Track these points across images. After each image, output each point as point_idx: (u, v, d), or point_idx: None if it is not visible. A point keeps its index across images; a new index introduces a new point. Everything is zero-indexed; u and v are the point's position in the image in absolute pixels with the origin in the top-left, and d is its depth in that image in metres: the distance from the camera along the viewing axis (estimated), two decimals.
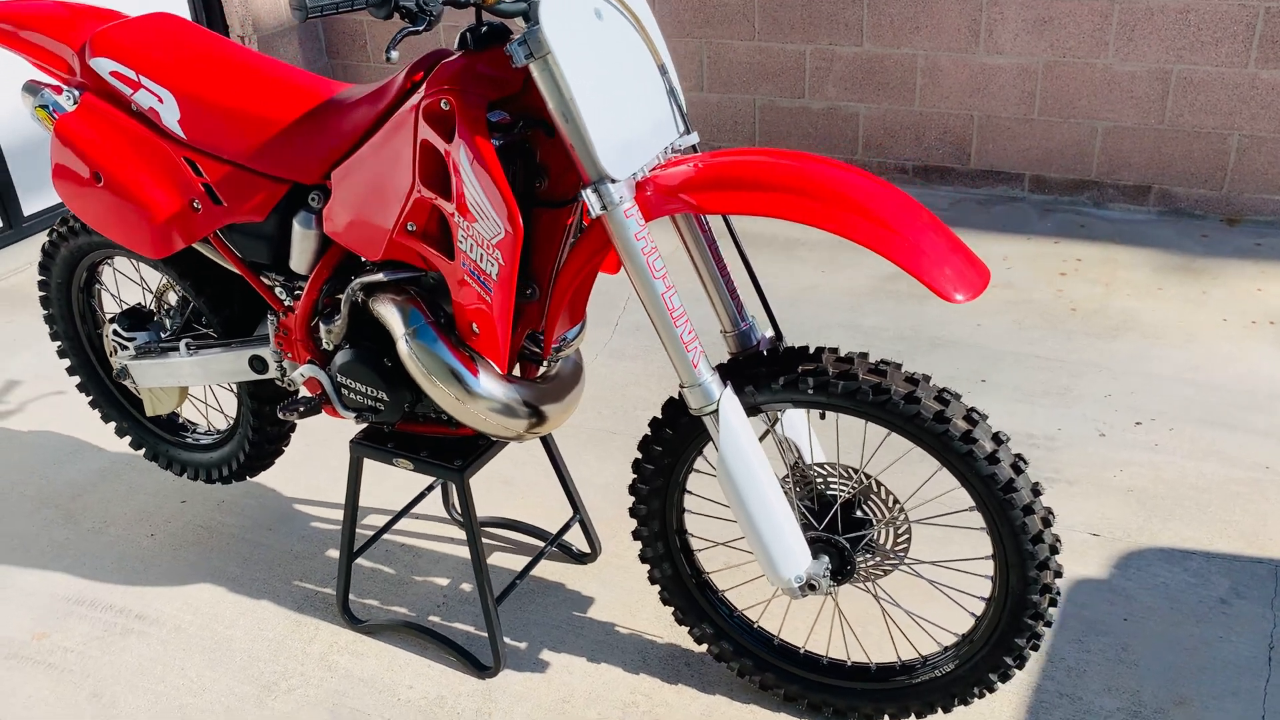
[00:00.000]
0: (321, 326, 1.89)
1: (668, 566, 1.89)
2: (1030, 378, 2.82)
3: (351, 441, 2.00)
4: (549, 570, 2.26)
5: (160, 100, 1.83)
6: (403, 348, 1.72)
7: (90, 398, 2.46)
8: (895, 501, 1.73)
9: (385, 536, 2.38)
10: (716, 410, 1.61)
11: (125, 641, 2.13)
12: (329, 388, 1.92)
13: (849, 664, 1.86)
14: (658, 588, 2.03)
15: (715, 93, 4.14)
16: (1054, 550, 1.61)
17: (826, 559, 1.73)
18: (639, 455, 1.83)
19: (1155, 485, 2.40)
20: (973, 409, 1.60)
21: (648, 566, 2.08)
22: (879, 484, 1.73)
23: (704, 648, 2.01)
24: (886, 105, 3.89)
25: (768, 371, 1.65)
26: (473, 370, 1.71)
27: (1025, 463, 1.61)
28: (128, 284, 3.53)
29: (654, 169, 1.59)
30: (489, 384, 1.72)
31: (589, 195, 1.51)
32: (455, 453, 1.93)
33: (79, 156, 1.88)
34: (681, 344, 1.59)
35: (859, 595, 2.12)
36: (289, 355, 1.98)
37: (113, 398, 2.44)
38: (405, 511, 2.26)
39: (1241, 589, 2.09)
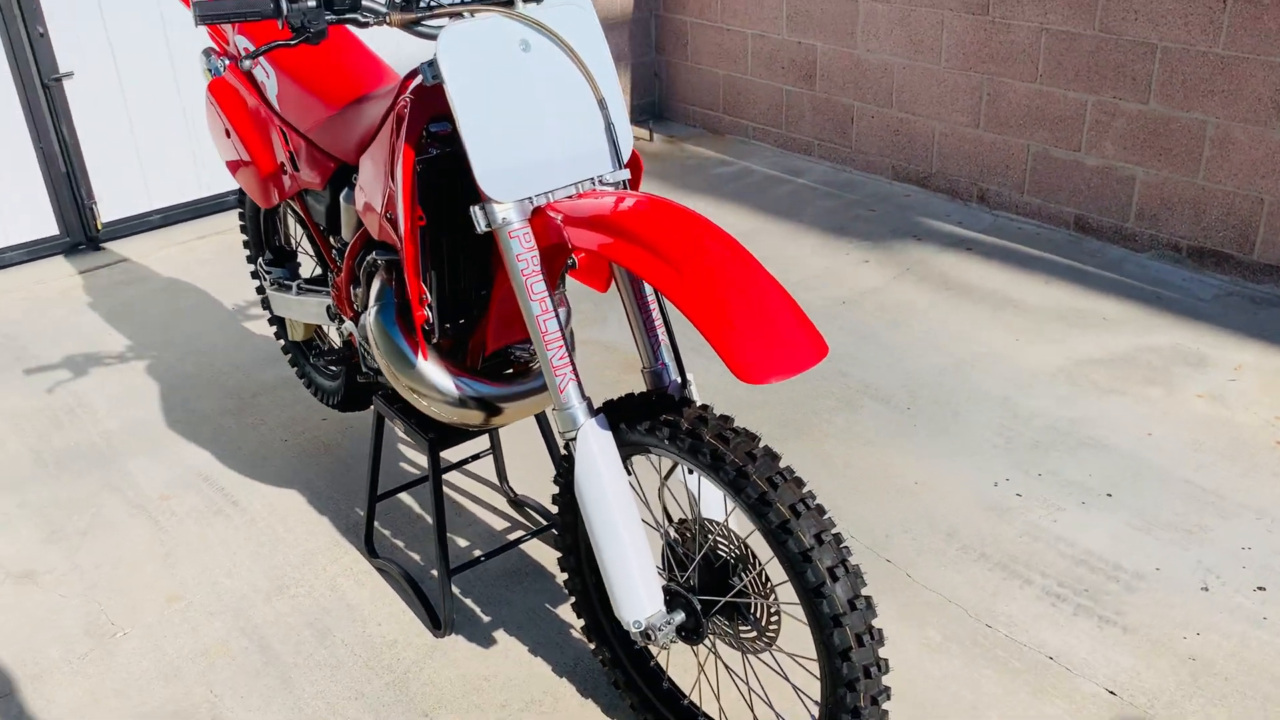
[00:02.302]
0: (353, 291, 2.13)
1: (578, 581, 1.94)
2: (1168, 505, 2.44)
3: (373, 396, 2.24)
4: (550, 557, 2.37)
5: (268, 76, 2.16)
6: (365, 319, 1.92)
7: (270, 318, 2.92)
8: (767, 580, 1.65)
9: (453, 494, 2.61)
10: (576, 437, 1.64)
11: (213, 519, 2.54)
12: (358, 346, 2.16)
13: None
14: (573, 598, 2.08)
15: (990, 132, 3.89)
16: (868, 674, 1.47)
17: (681, 615, 1.70)
18: (559, 468, 1.89)
19: (1226, 663, 2.02)
20: (804, 500, 1.50)
21: (565, 575, 2.14)
22: (755, 559, 1.66)
23: (604, 670, 2.03)
24: (1166, 173, 3.45)
25: (638, 414, 1.65)
26: (417, 353, 1.86)
27: (850, 571, 1.48)
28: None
29: (566, 199, 1.64)
30: (428, 369, 1.87)
31: (475, 212, 1.60)
32: (445, 426, 2.10)
33: (217, 115, 2.26)
34: (552, 367, 1.64)
35: (757, 661, 2.02)
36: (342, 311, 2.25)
37: (282, 320, 2.88)
38: (452, 468, 2.47)
39: None
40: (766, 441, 2.73)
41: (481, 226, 1.61)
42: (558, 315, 1.64)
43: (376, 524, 2.52)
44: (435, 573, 2.35)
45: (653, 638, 1.66)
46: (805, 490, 1.53)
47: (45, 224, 3.95)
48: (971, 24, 3.82)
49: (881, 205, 4.16)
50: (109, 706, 2.04)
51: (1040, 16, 3.61)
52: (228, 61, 2.28)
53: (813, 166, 4.58)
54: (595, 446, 1.64)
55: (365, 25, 1.57)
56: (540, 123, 1.61)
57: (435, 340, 1.90)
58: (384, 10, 1.59)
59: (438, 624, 2.19)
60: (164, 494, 2.65)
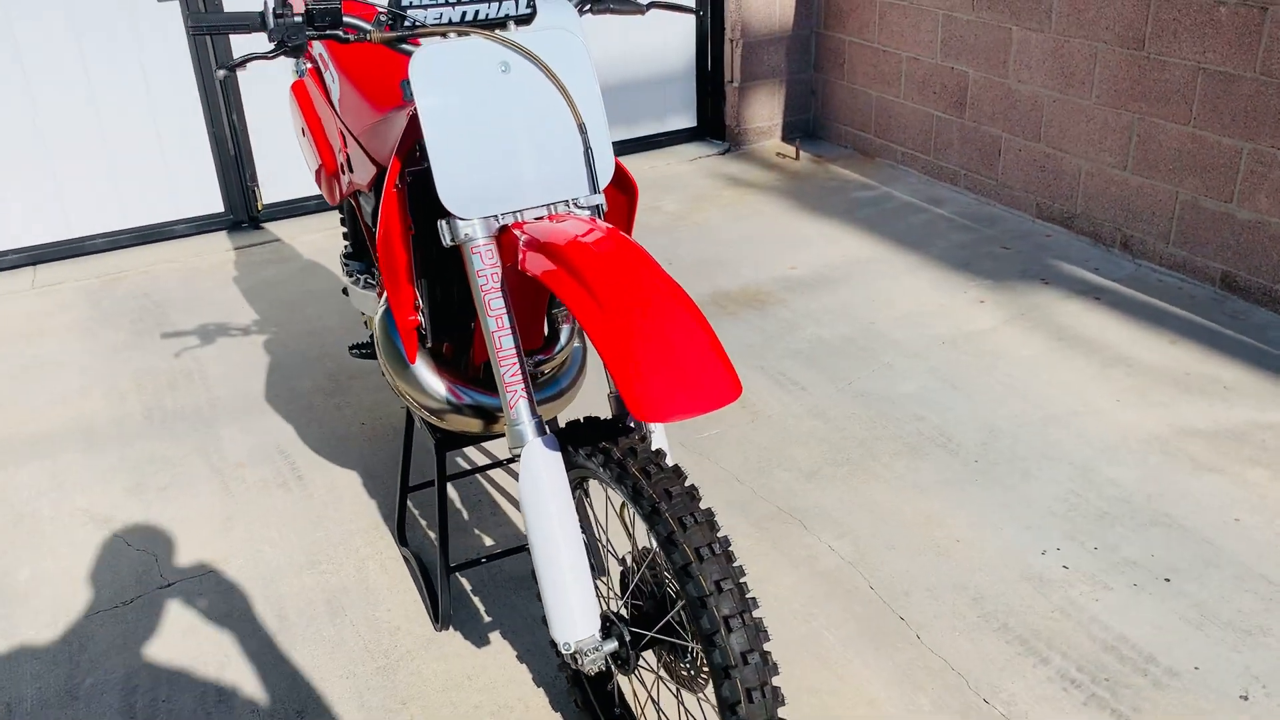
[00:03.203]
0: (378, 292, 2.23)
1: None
2: (1231, 600, 2.22)
3: None
4: None
5: (334, 80, 2.28)
6: (374, 320, 2.00)
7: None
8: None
9: (493, 491, 2.69)
10: (521, 454, 1.66)
11: (276, 491, 2.71)
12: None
13: None
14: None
15: (1137, 175, 3.62)
16: None
17: (613, 643, 1.69)
18: None
19: None
20: (712, 544, 1.46)
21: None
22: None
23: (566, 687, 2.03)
24: None
25: (584, 438, 1.65)
26: (410, 357, 1.92)
27: (750, 624, 1.43)
28: None
29: (536, 220, 1.66)
30: (420, 373, 1.93)
31: (441, 225, 1.65)
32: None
33: (295, 113, 2.41)
34: (503, 383, 1.66)
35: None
36: None
37: None
38: (493, 466, 2.53)
39: None
40: (813, 475, 2.66)
41: (446, 240, 1.65)
42: (514, 331, 1.67)
43: (415, 514, 2.63)
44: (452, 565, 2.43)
45: (580, 662, 1.66)
46: (717, 535, 1.49)
47: (212, 201, 4.31)
48: (1125, 59, 3.57)
49: (1018, 243, 3.94)
50: (134, 652, 2.22)
51: (1198, 54, 3.33)
52: (309, 65, 2.43)
53: (955, 197, 4.39)
54: (539, 465, 1.65)
55: (347, 42, 1.65)
56: (513, 143, 1.64)
57: (429, 345, 1.97)
58: (368, 28, 1.66)
59: (435, 618, 2.26)
60: (241, 462, 2.85)
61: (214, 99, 4.15)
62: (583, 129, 1.67)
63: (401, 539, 2.50)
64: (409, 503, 2.67)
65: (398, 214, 1.78)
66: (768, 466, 2.73)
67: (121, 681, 2.15)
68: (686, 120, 5.15)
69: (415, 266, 1.87)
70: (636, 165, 4.94)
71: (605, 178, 1.70)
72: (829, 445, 2.81)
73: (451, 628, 2.26)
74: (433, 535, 2.56)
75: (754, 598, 1.50)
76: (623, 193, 1.84)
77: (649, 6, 1.89)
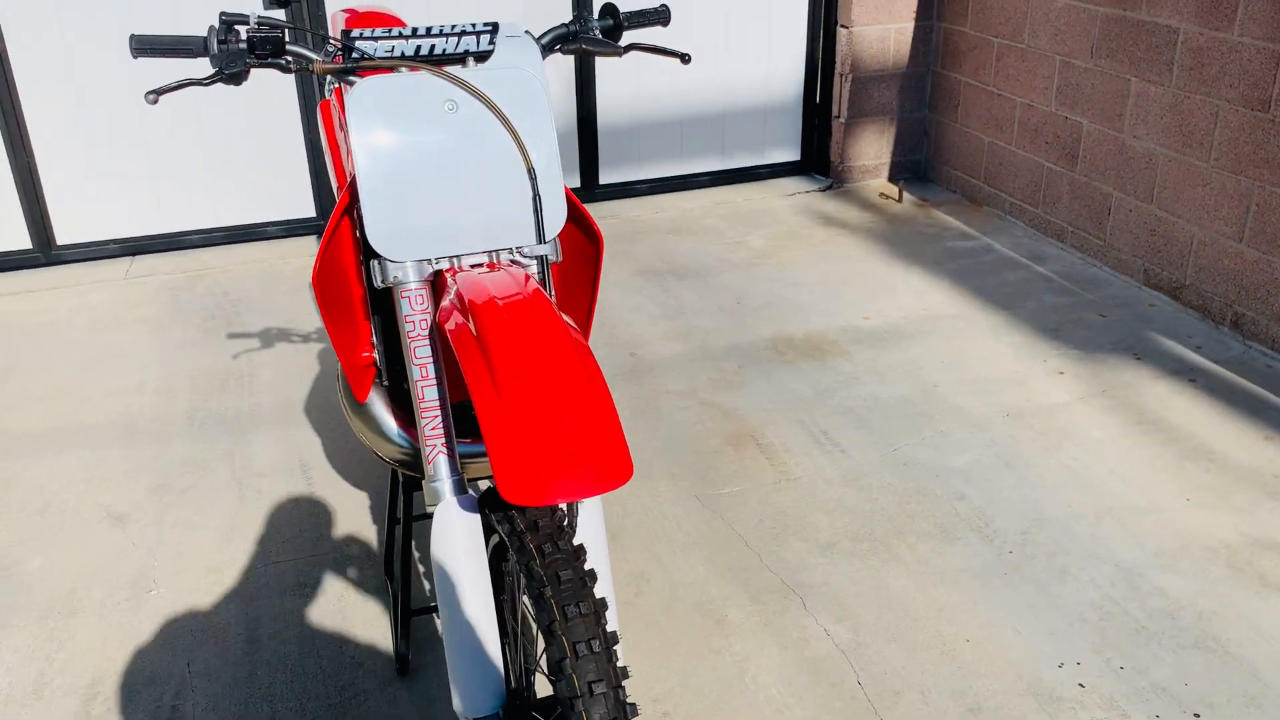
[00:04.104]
0: None
1: None
2: None
3: None
4: None
5: (337, 104, 2.25)
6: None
7: None
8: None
9: None
10: (435, 513, 1.57)
11: (286, 505, 2.71)
12: None
13: None
14: None
15: (1255, 248, 3.28)
16: None
17: None
18: None
19: None
20: (591, 640, 1.34)
21: None
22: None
23: None
24: None
25: (500, 502, 1.54)
26: (360, 396, 1.86)
27: (602, 690, 1.30)
28: None
29: (474, 269, 1.57)
30: (370, 413, 1.86)
31: (372, 265, 1.57)
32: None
33: (322, 134, 2.39)
34: (424, 435, 1.58)
35: None
36: None
37: None
38: None
39: None
40: (829, 549, 2.48)
41: (377, 281, 1.58)
42: (441, 383, 1.58)
43: (413, 548, 2.57)
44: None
45: None
46: (603, 630, 1.36)
47: (304, 205, 4.40)
48: (1248, 120, 3.24)
49: (1116, 311, 3.64)
50: (106, 655, 2.23)
51: None
52: (336, 84, 2.41)
53: (1060, 255, 4.09)
54: (452, 527, 1.56)
55: (289, 71, 1.59)
56: (454, 185, 1.55)
57: (385, 384, 1.90)
58: (310, 58, 1.60)
59: (397, 658, 2.19)
60: (262, 472, 2.86)
61: (311, 105, 4.23)
62: (532, 174, 1.58)
63: (388, 570, 2.45)
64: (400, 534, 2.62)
65: (350, 248, 1.72)
66: (783, 533, 2.57)
67: (86, 686, 2.16)
68: (789, 154, 4.99)
69: (371, 302, 1.80)
70: (729, 197, 4.81)
71: (555, 227, 1.60)
72: (855, 517, 2.62)
73: (413, 672, 2.19)
74: (423, 568, 2.50)
75: (633, 704, 1.37)
76: (591, 242, 1.74)
77: (628, 48, 1.78)
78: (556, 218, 1.60)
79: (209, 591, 2.42)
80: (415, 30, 1.62)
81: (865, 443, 2.93)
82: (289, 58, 1.59)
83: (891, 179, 4.94)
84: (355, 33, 1.59)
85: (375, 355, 1.86)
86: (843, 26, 4.64)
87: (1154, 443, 2.89)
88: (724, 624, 2.29)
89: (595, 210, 4.69)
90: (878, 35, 4.63)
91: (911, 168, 4.96)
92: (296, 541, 2.58)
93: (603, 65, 4.53)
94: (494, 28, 1.63)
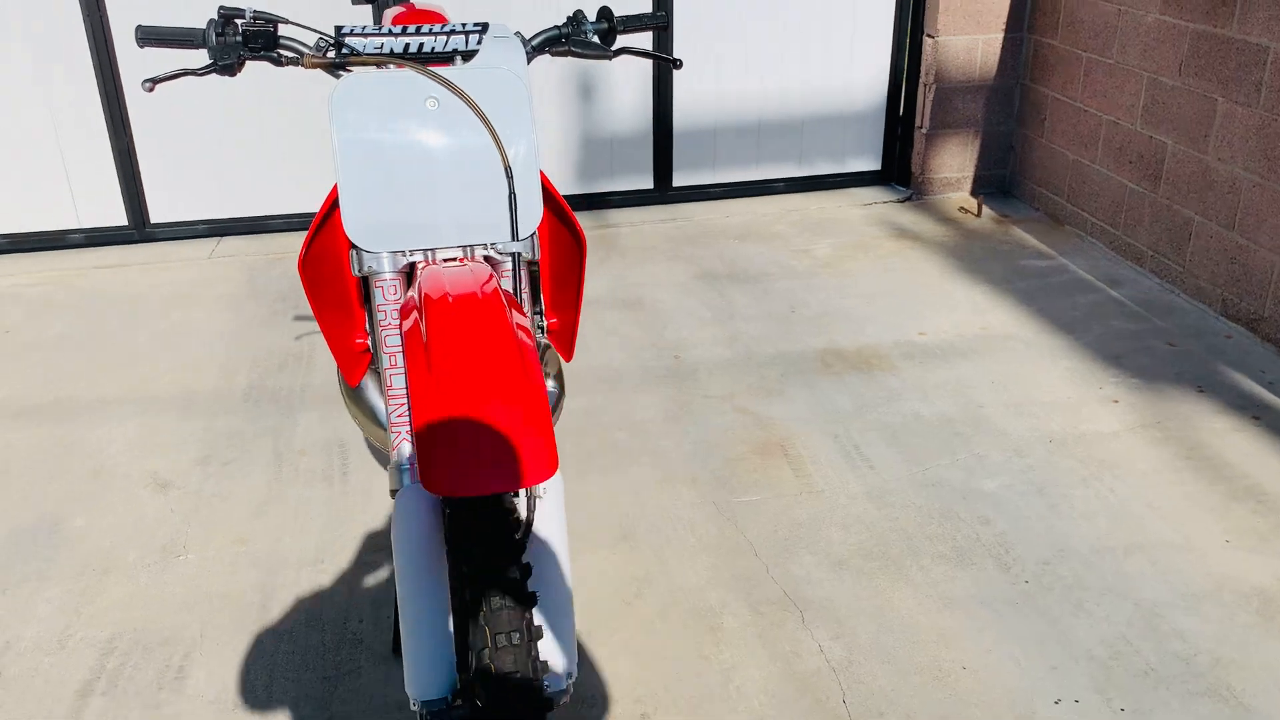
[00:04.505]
0: None
1: None
2: None
3: None
4: None
5: None
6: None
7: None
8: None
9: None
10: (397, 498, 1.61)
11: (319, 483, 2.81)
12: None
13: None
14: None
15: None
16: None
17: (465, 711, 1.60)
18: None
19: None
20: (513, 634, 1.35)
21: None
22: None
23: None
24: None
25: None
26: (352, 380, 1.92)
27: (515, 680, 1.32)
28: None
29: (445, 263, 1.60)
30: (361, 397, 1.92)
31: (351, 253, 1.62)
32: None
33: None
34: (390, 422, 1.62)
35: None
36: None
37: None
38: None
39: None
40: (839, 565, 2.45)
41: (354, 270, 1.63)
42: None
43: None
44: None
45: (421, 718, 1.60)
46: (527, 624, 1.38)
47: None
48: None
49: (1187, 341, 3.48)
50: (129, 613, 2.35)
51: None
52: None
53: (1136, 279, 3.94)
54: (411, 510, 1.60)
55: (281, 65, 1.65)
56: (430, 181, 1.59)
57: (378, 370, 1.95)
58: (301, 52, 1.66)
59: (397, 641, 2.25)
60: (303, 450, 2.97)
61: None
62: (509, 173, 1.60)
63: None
64: None
65: (344, 236, 1.78)
66: (794, 546, 2.54)
67: (105, 641, 2.28)
68: (869, 163, 4.91)
69: (364, 290, 1.86)
70: (804, 204, 4.77)
71: (529, 225, 1.62)
72: (871, 534, 2.58)
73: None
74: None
75: (550, 696, 1.38)
76: (576, 241, 1.76)
77: (618, 53, 1.79)
78: (531, 216, 1.63)
79: (233, 561, 2.53)
80: (405, 29, 1.67)
81: (896, 460, 2.87)
82: (281, 51, 1.65)
83: (973, 193, 4.82)
84: (347, 28, 1.64)
85: (369, 341, 1.91)
86: (929, 36, 4.55)
87: (1201, 479, 2.76)
88: (718, 631, 2.28)
89: (666, 213, 4.70)
90: (965, 46, 4.52)
91: (996, 182, 4.83)
92: (323, 519, 2.67)
93: (681, 68, 4.54)
94: (483, 28, 1.67)
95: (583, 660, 2.21)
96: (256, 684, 2.16)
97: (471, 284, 1.49)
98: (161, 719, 2.08)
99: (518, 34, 1.69)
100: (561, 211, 1.74)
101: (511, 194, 1.62)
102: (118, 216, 4.39)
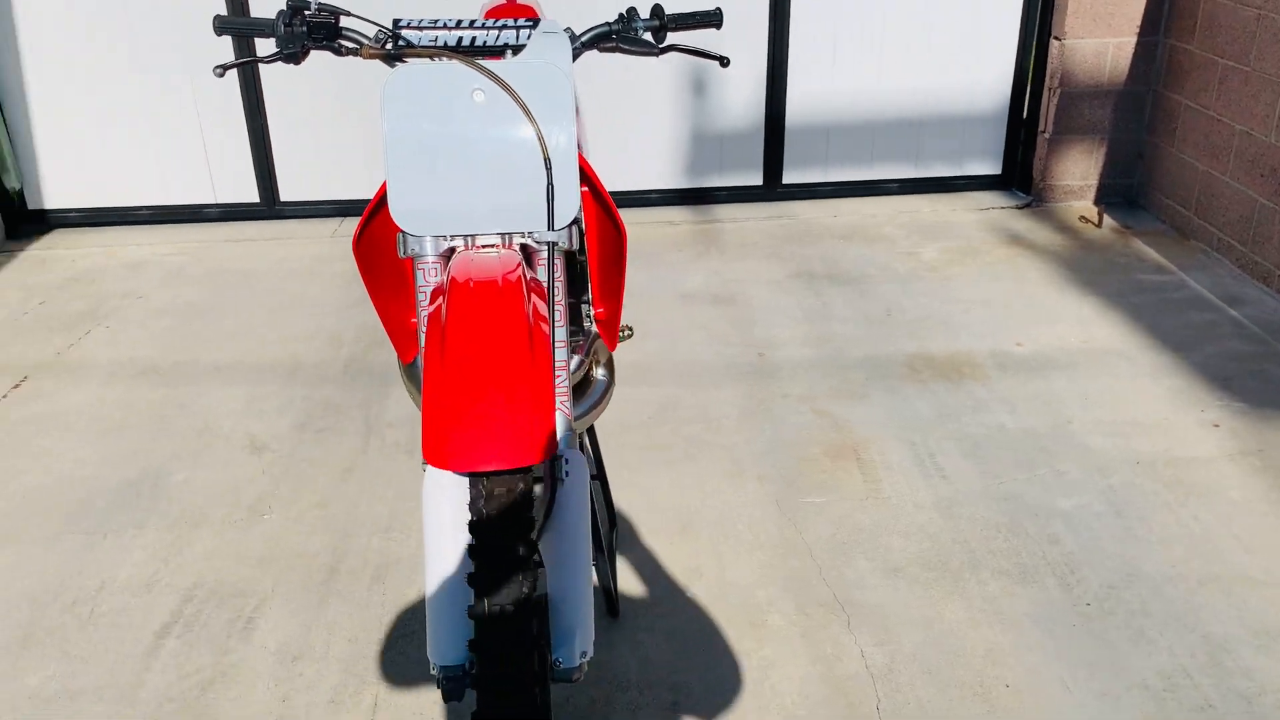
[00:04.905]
0: None
1: None
2: None
3: None
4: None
5: None
6: None
7: None
8: None
9: None
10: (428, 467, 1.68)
11: (401, 456, 2.93)
12: None
13: None
14: None
15: None
16: None
17: None
18: None
19: None
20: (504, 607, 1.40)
21: None
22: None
23: None
24: None
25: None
26: (405, 357, 2.00)
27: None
28: None
29: (481, 249, 1.66)
30: (414, 369, 2.00)
31: (398, 236, 1.70)
32: None
33: None
34: (424, 396, 1.69)
35: None
36: None
37: None
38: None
39: None
40: (894, 573, 2.43)
41: (399, 252, 1.71)
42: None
43: None
44: None
45: (440, 686, 1.67)
46: (518, 608, 1.43)
47: None
48: None
49: None
50: (211, 565, 2.51)
51: None
52: None
53: (1261, 299, 3.73)
54: (441, 485, 1.67)
55: (341, 54, 1.74)
56: (472, 169, 1.65)
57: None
58: (360, 43, 1.74)
59: None
60: (391, 423, 3.10)
61: None
62: (548, 164, 1.65)
63: None
64: None
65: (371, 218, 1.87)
66: (852, 550, 2.53)
67: (186, 589, 2.45)
68: (989, 167, 4.78)
69: None
70: (916, 206, 4.68)
71: (565, 216, 1.67)
72: (932, 544, 2.54)
73: None
74: None
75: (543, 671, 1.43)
76: (617, 233, 1.80)
77: (665, 49, 1.81)
78: (568, 207, 1.67)
79: (312, 523, 2.67)
80: (460, 22, 1.74)
81: (971, 471, 2.81)
82: (342, 42, 1.74)
83: (1096, 202, 4.64)
84: (404, 21, 1.72)
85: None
86: (1055, 38, 4.40)
87: None
88: (761, 628, 2.29)
89: (772, 210, 4.69)
90: (1094, 49, 4.35)
91: (1122, 192, 4.64)
92: (398, 488, 2.79)
93: (795, 63, 4.52)
94: (534, 23, 1.72)
95: (621, 643, 2.25)
96: (316, 641, 2.29)
97: (496, 271, 1.55)
98: (226, 664, 2.22)
99: (568, 30, 1.74)
100: (606, 204, 1.78)
101: (549, 185, 1.67)
102: (250, 193, 4.65)
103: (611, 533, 2.57)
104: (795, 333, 3.60)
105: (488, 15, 2.61)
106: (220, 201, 4.66)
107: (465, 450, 1.36)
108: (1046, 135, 4.52)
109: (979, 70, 4.60)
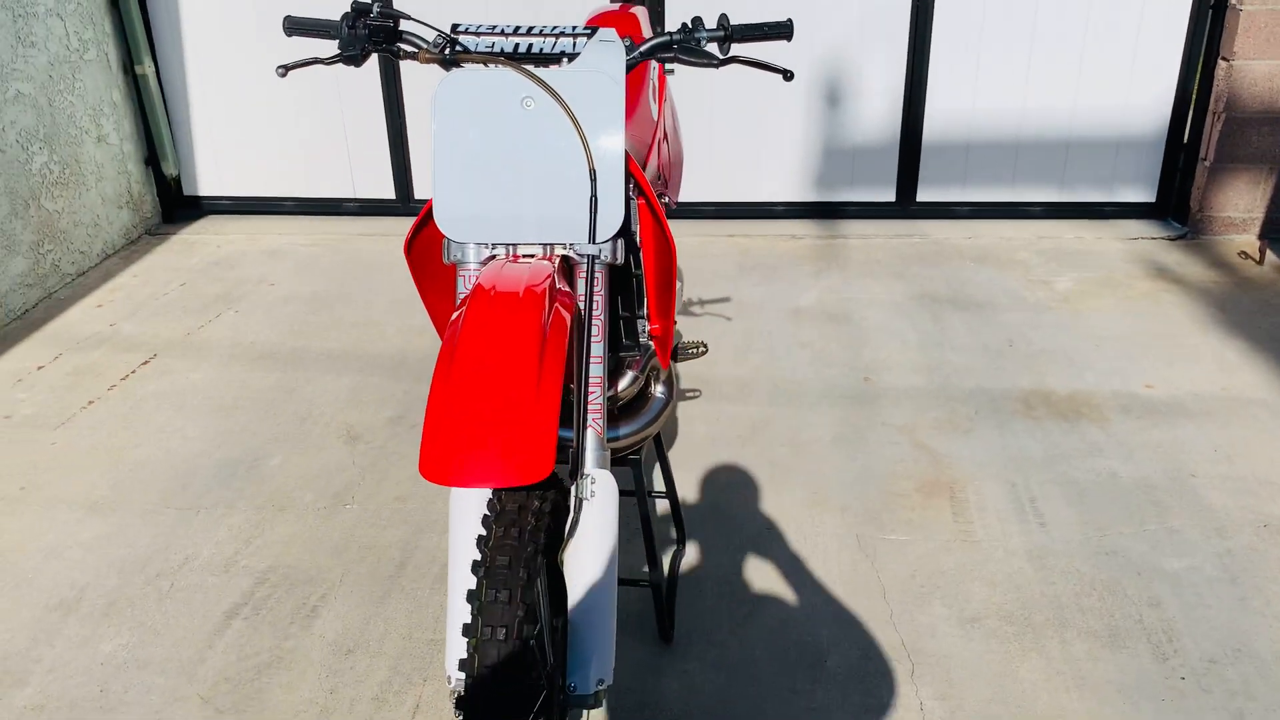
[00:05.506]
0: None
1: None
2: None
3: None
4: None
5: None
6: None
7: None
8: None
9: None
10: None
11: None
12: None
13: None
14: None
15: None
16: None
17: None
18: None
19: None
20: (509, 603, 1.37)
21: None
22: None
23: None
24: None
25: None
26: None
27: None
28: None
29: (520, 258, 1.63)
30: None
31: (444, 242, 1.68)
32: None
33: None
34: None
35: None
36: None
37: None
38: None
39: None
40: (970, 623, 2.28)
41: (444, 257, 1.70)
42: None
43: None
44: None
45: (453, 699, 1.65)
46: (518, 623, 1.39)
47: None
48: None
49: None
50: (288, 550, 2.58)
51: None
52: None
53: None
54: (466, 496, 1.65)
55: (399, 58, 1.73)
56: (518, 177, 1.63)
57: None
58: (419, 47, 1.72)
59: None
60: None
61: None
62: (593, 176, 1.61)
63: None
64: None
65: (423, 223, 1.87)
66: (929, 595, 2.39)
67: (262, 571, 2.52)
68: (1142, 194, 4.48)
69: None
70: (1058, 232, 4.42)
71: (608, 229, 1.63)
72: (1017, 596, 2.37)
73: None
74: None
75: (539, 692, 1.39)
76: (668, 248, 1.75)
77: (726, 61, 1.73)
78: (611, 220, 1.63)
79: (389, 517, 2.71)
80: (518, 29, 1.72)
81: (1072, 520, 2.62)
82: (401, 46, 1.75)
83: (1261, 236, 4.28)
84: (463, 26, 1.71)
85: None
86: (1223, 59, 4.08)
87: None
88: (817, 669, 2.19)
89: (902, 228, 4.52)
90: (1266, 71, 4.02)
91: None
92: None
93: (935, 76, 4.34)
94: (591, 32, 1.69)
95: (669, 669, 2.19)
96: (371, 636, 2.31)
97: (521, 282, 1.52)
98: (284, 650, 2.28)
99: (626, 39, 1.69)
100: (658, 217, 1.73)
101: (593, 197, 1.63)
102: (387, 190, 4.78)
103: (677, 555, 2.52)
104: (905, 358, 3.45)
105: (589, 23, 2.59)
106: (359, 196, 4.81)
107: (456, 466, 1.33)
108: (1207, 163, 4.20)
109: (1135, 91, 4.32)
